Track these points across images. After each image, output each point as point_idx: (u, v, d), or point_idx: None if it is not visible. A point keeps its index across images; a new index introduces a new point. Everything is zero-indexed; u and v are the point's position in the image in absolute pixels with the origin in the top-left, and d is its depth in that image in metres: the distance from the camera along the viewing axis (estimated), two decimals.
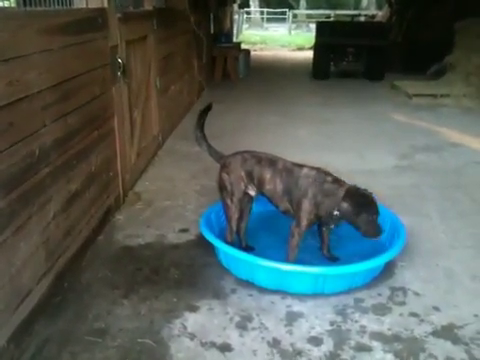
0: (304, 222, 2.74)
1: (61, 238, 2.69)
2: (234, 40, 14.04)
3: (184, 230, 3.37)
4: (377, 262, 2.70)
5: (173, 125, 6.01)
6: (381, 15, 15.30)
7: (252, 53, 11.44)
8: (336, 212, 2.68)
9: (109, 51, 3.43)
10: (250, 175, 2.90)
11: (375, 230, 2.67)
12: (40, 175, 2.41)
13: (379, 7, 22.83)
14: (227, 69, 9.87)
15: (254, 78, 10.35)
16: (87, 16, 3.11)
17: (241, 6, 24.68)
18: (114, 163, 3.62)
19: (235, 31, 18.20)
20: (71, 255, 2.82)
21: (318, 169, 2.81)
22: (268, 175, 2.84)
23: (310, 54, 11.38)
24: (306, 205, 2.71)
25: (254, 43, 19.37)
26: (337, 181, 2.75)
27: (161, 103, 5.09)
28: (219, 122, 6.51)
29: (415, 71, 9.70)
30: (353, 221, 2.69)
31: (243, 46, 12.65)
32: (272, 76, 10.97)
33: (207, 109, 3.12)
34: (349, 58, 10.16)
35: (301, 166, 2.83)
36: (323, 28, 10.68)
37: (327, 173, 2.79)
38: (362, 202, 2.67)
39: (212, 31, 9.75)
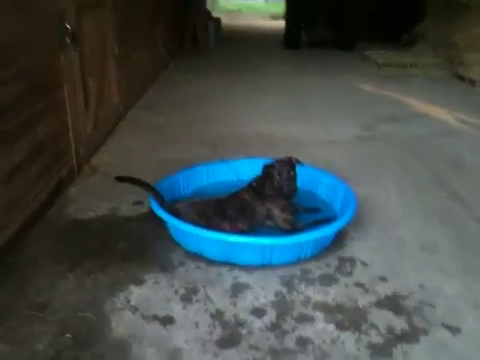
0: (289, 216, 2.87)
1: (4, 211, 2.61)
2: (207, 7, 13.73)
3: (138, 202, 3.29)
4: (323, 232, 2.67)
5: (137, 95, 5.87)
6: None
7: (225, 21, 11.19)
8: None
9: (56, 16, 3.28)
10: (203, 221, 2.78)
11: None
12: None
13: None
14: (197, 37, 9.66)
15: (225, 47, 10.17)
16: None
17: None
18: (66, 134, 3.50)
19: None
20: (17, 229, 2.74)
21: (246, 188, 2.95)
22: (227, 227, 2.79)
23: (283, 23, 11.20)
24: (279, 208, 2.85)
25: (230, 11, 19.12)
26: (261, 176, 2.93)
27: (121, 72, 4.93)
28: (186, 92, 6.42)
29: (388, 41, 9.62)
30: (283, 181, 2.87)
31: (218, 14, 12.39)
32: (243, 45, 10.78)
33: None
34: (321, 27, 10.03)
35: (238, 193, 2.94)
36: None
37: (251, 182, 2.97)
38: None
39: None
